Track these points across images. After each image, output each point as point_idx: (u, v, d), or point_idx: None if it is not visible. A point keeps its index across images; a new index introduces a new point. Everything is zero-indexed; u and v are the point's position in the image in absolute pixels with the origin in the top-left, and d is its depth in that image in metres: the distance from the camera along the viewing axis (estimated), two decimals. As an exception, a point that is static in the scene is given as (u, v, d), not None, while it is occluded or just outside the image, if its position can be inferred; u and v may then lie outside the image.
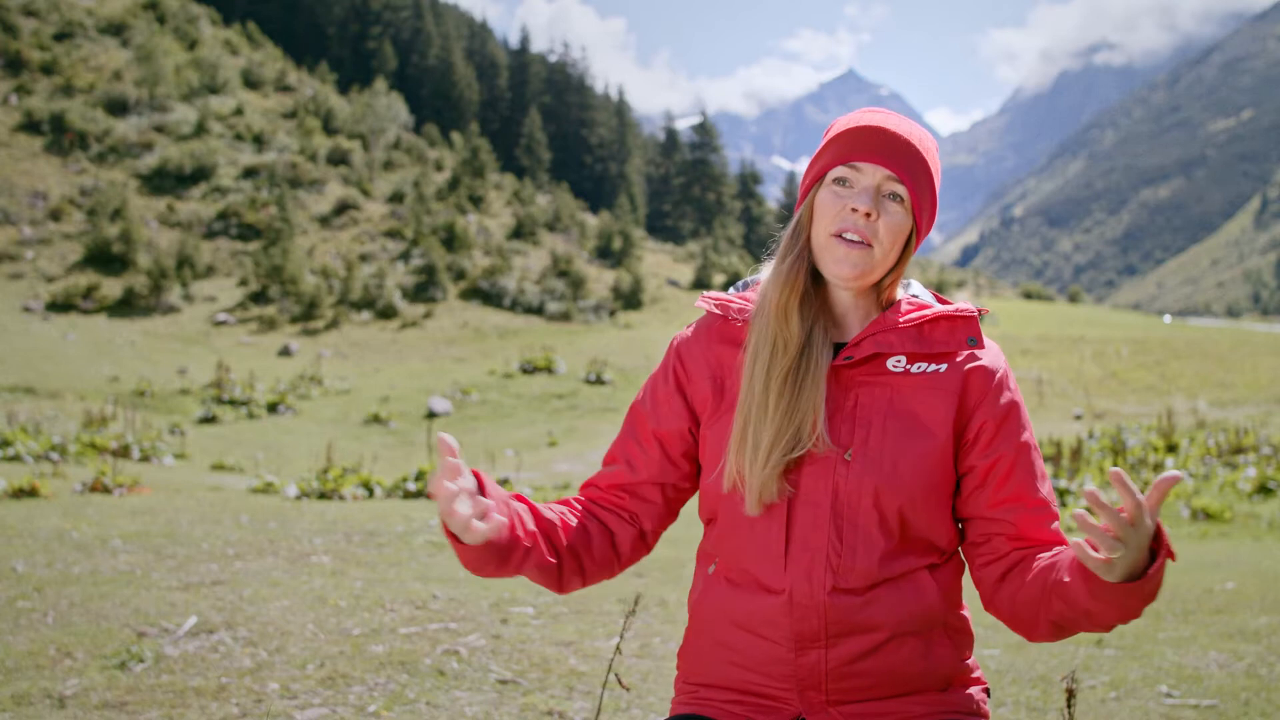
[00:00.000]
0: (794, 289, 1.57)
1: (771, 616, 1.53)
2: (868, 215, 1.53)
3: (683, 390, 1.65)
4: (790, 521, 1.53)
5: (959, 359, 1.58)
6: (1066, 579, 1.43)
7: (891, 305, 1.61)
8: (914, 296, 1.64)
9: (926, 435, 1.53)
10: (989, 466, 1.55)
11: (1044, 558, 1.51)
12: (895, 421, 1.54)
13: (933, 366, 1.56)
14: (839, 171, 1.56)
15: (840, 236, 1.54)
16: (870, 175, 1.54)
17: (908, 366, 1.56)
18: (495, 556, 1.50)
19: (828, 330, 1.60)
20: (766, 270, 1.63)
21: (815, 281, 1.60)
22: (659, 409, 1.65)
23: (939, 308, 1.60)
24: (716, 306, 1.65)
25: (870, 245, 1.53)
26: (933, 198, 1.59)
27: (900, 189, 1.54)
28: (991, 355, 1.59)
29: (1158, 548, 1.35)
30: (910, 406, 1.55)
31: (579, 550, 1.62)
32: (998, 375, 1.58)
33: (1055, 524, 1.56)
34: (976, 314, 1.61)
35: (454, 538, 1.46)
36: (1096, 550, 1.34)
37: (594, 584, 1.68)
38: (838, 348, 1.60)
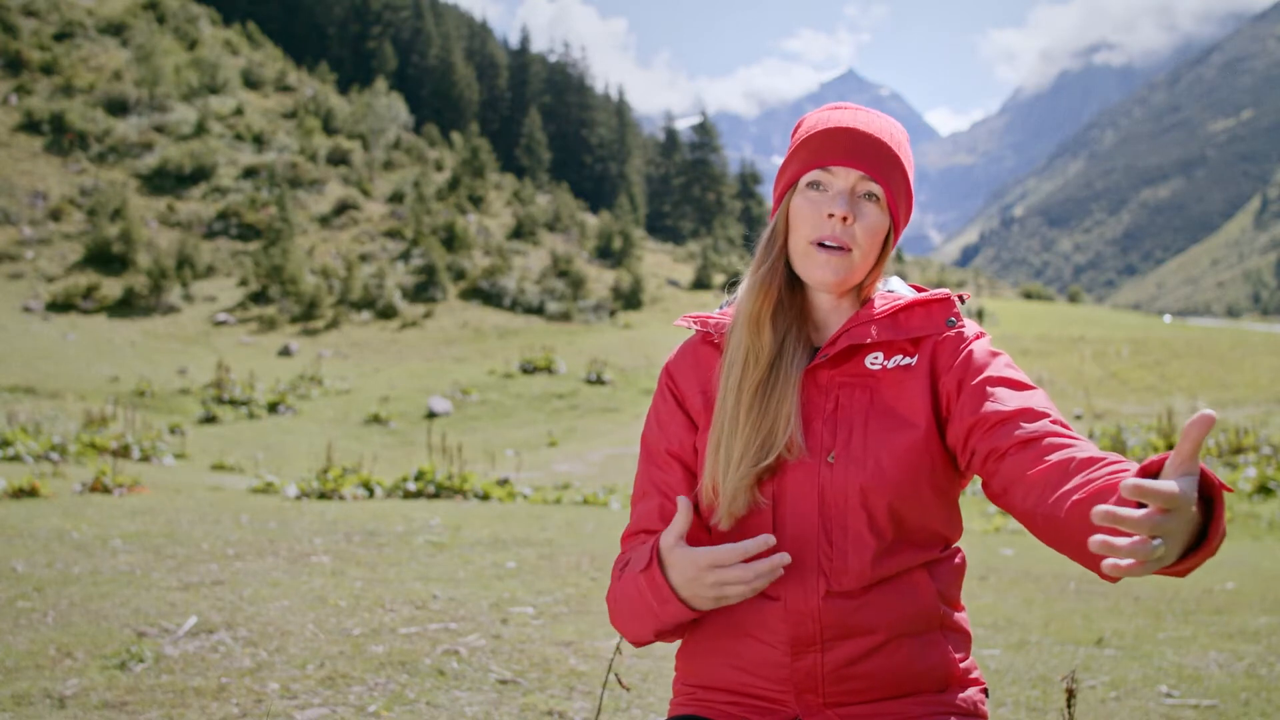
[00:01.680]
0: (768, 298, 1.57)
1: (768, 621, 1.53)
2: (845, 219, 1.52)
3: (682, 405, 1.65)
4: (778, 528, 1.53)
5: (930, 345, 1.56)
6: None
7: (868, 303, 1.60)
8: (890, 291, 1.63)
9: (908, 426, 1.52)
10: (968, 407, 1.49)
11: (1076, 490, 1.29)
12: (876, 419, 1.53)
13: (907, 359, 1.55)
14: (812, 176, 1.55)
15: (820, 244, 1.53)
16: (844, 178, 1.54)
17: (885, 363, 1.55)
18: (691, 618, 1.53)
19: (805, 337, 1.60)
20: (744, 283, 1.63)
21: (794, 287, 1.60)
22: (666, 429, 1.65)
23: (914, 295, 1.60)
24: (696, 323, 1.66)
25: (849, 250, 1.53)
26: (908, 191, 1.58)
27: (875, 188, 1.54)
28: (967, 329, 1.57)
29: (1208, 493, 1.16)
30: (890, 403, 1.54)
31: None
32: (965, 341, 1.55)
33: (1050, 423, 1.43)
34: (951, 297, 1.59)
35: (681, 605, 1.47)
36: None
37: None
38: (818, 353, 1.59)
